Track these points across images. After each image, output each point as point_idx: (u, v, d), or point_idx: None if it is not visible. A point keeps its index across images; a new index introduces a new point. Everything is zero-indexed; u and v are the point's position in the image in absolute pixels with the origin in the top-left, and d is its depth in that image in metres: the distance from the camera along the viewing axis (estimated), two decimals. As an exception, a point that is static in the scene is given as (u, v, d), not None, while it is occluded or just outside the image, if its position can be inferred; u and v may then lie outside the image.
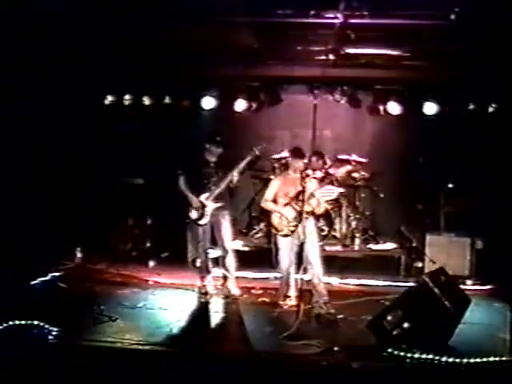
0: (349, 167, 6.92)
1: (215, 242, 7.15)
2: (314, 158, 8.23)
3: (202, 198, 6.85)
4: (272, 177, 8.05)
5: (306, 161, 6.36)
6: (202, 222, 6.88)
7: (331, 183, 7.46)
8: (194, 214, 6.88)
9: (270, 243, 7.88)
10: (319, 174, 7.55)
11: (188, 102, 8.89)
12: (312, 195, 6.24)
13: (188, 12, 5.84)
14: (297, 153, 6.42)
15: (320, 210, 6.43)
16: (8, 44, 6.31)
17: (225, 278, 7.12)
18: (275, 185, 6.55)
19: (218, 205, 6.87)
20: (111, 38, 6.67)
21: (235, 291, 7.00)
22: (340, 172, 6.87)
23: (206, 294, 6.96)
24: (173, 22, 6.15)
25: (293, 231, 6.27)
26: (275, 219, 6.41)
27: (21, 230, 7.12)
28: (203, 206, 6.85)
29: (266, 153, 8.40)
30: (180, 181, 6.97)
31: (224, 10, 5.71)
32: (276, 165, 8.65)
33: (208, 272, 7.12)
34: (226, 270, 7.04)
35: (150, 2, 5.72)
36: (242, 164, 6.83)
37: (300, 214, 6.14)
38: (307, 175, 6.17)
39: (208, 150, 6.93)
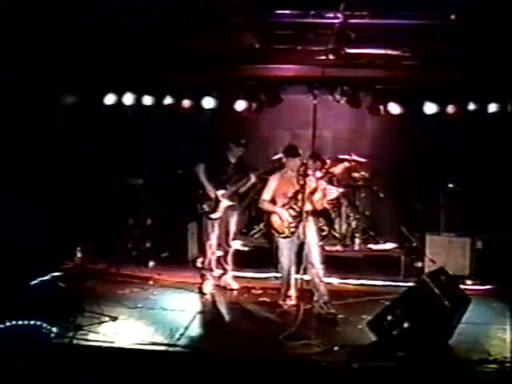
0: (346, 164, 6.91)
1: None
2: (311, 161, 8.23)
3: (219, 193, 6.97)
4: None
5: (301, 159, 6.34)
6: (213, 216, 7.00)
7: (331, 183, 7.45)
8: (207, 207, 6.96)
9: (270, 243, 7.93)
10: (318, 174, 7.54)
11: (188, 101, 8.88)
12: (315, 190, 6.22)
13: (188, 11, 5.85)
14: (291, 151, 6.39)
15: (321, 206, 6.41)
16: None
17: (224, 272, 7.28)
18: (272, 185, 6.51)
19: (231, 203, 7.07)
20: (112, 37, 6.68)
21: (234, 285, 7.20)
22: (337, 169, 6.84)
23: (205, 293, 7.00)
24: (173, 21, 6.16)
25: (293, 232, 6.26)
26: (275, 221, 6.38)
27: (21, 230, 7.11)
28: (217, 201, 6.93)
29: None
30: (200, 171, 7.06)
31: (224, 10, 5.72)
32: (276, 165, 8.65)
33: (211, 271, 7.19)
34: (227, 264, 7.24)
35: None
36: (261, 170, 7.25)
37: (299, 213, 6.13)
38: (305, 174, 6.15)
39: (230, 149, 7.07)
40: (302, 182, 6.10)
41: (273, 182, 6.54)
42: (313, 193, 6.21)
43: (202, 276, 7.15)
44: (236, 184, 7.07)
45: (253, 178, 7.12)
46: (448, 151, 8.35)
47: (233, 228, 7.25)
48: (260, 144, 8.73)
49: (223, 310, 6.58)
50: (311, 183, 6.27)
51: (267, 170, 7.43)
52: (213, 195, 7.00)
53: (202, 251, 7.32)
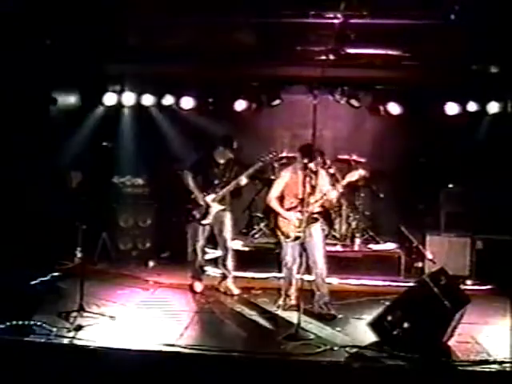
0: (362, 172, 6.56)
1: (211, 241, 7.25)
2: (318, 157, 8.19)
3: (208, 198, 6.86)
4: (273, 176, 8.06)
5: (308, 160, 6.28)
6: (204, 221, 6.91)
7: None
8: (197, 214, 6.90)
9: (270, 243, 7.93)
10: (323, 172, 7.51)
11: (188, 101, 8.88)
12: (333, 188, 6.18)
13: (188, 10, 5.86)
14: (307, 150, 6.18)
15: (331, 206, 6.36)
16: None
17: (224, 277, 7.14)
18: (282, 183, 6.44)
19: (223, 207, 6.92)
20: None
21: (235, 290, 7.04)
22: (353, 177, 6.55)
23: (197, 292, 7.00)
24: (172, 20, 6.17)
25: (299, 237, 6.19)
26: (283, 225, 6.33)
27: (21, 230, 7.11)
28: (208, 206, 6.86)
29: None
30: (188, 178, 6.95)
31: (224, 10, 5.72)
32: (276, 165, 8.65)
33: (203, 272, 7.19)
34: (226, 269, 7.07)
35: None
36: (251, 170, 6.84)
37: (307, 216, 6.02)
38: (316, 172, 6.10)
39: (219, 151, 6.94)
40: (312, 183, 6.04)
41: (283, 180, 6.46)
42: (325, 194, 6.17)
43: (193, 277, 7.12)
44: (226, 187, 6.84)
45: (244, 180, 6.84)
46: (448, 151, 8.35)
47: (228, 229, 7.00)
48: (260, 144, 8.72)
49: (222, 309, 6.57)
50: (323, 182, 6.23)
51: (258, 170, 7.06)
52: (202, 202, 6.86)
53: (193, 253, 7.20)
